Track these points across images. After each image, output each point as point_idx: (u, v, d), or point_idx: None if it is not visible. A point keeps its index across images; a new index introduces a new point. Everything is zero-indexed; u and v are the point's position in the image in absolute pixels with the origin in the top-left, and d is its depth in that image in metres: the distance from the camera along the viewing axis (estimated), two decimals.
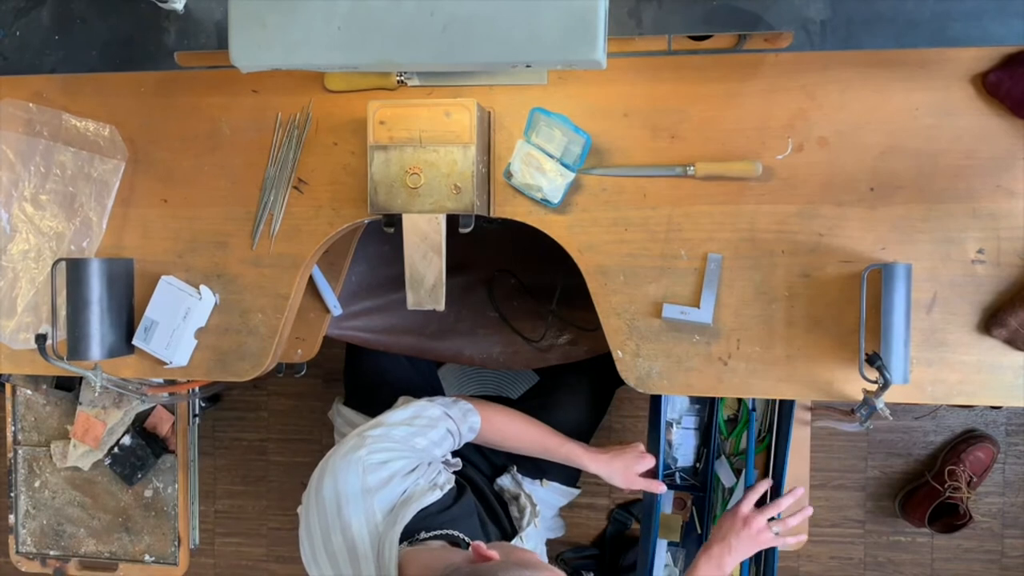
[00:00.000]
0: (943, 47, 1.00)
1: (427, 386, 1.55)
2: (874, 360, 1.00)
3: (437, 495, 1.02)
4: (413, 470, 1.04)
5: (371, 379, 1.46)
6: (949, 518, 1.84)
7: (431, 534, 0.99)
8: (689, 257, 1.09)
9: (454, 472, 1.15)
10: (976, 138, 1.04)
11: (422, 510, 0.99)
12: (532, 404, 1.41)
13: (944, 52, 1.03)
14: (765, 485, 1.25)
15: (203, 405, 1.60)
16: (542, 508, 1.32)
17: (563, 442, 1.29)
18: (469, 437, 1.21)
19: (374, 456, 1.01)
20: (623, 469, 1.29)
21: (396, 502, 1.00)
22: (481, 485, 1.29)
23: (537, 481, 1.39)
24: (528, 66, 0.79)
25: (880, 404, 1.01)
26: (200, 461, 2.06)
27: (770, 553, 1.26)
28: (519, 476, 1.35)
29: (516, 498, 1.30)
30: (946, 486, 1.81)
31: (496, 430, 1.25)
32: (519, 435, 1.28)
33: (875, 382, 1.02)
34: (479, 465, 1.37)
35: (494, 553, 0.88)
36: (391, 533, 0.94)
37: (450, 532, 1.01)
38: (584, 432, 1.47)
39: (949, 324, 1.06)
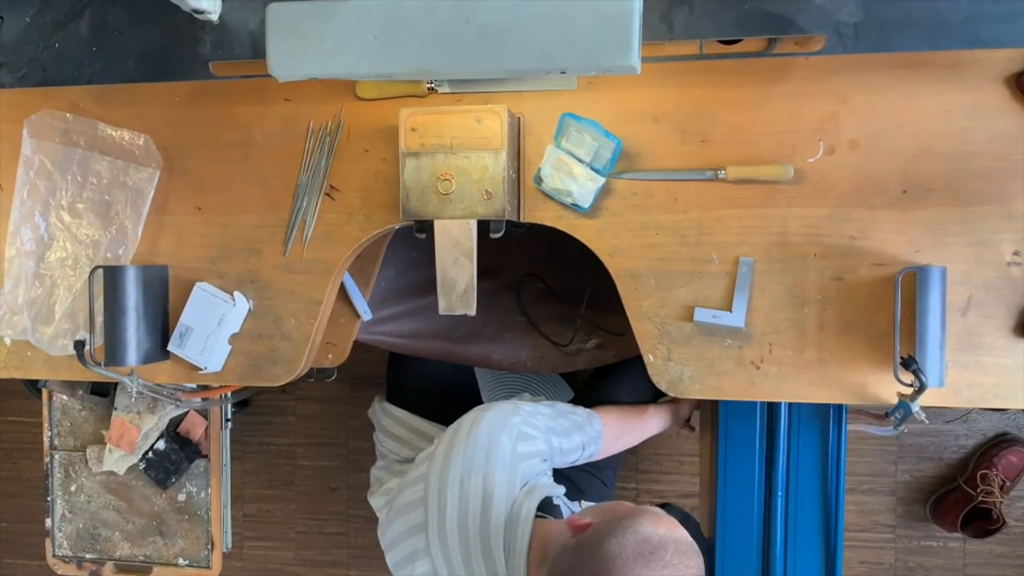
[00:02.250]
0: (976, 49, 0.99)
1: (466, 387, 1.56)
2: (910, 364, 0.99)
3: (561, 490, 1.11)
4: (546, 460, 1.12)
5: (415, 378, 1.48)
6: (981, 523, 1.82)
7: (543, 515, 1.04)
8: (720, 261, 1.09)
9: None
10: (1010, 140, 1.03)
11: (546, 498, 1.06)
12: None
13: (976, 53, 1.02)
14: None
15: (232, 410, 1.62)
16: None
17: (652, 417, 1.39)
18: (585, 460, 1.25)
19: (526, 428, 1.09)
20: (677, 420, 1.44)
21: (532, 480, 1.07)
22: None
23: (576, 502, 1.40)
24: (562, 72, 0.79)
25: (916, 407, 1.00)
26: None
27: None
28: (564, 501, 1.36)
29: None
30: (978, 490, 1.79)
31: (611, 448, 1.31)
32: (628, 441, 1.36)
33: (910, 385, 1.01)
34: None
35: (587, 520, 0.91)
36: (529, 502, 1.02)
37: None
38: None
39: (984, 327, 1.05)
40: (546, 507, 1.06)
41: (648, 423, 1.39)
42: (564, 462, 1.19)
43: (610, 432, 1.28)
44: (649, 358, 1.12)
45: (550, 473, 1.17)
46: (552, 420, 1.17)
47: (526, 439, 1.08)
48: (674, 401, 1.44)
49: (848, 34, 0.96)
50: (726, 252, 1.09)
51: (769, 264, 1.08)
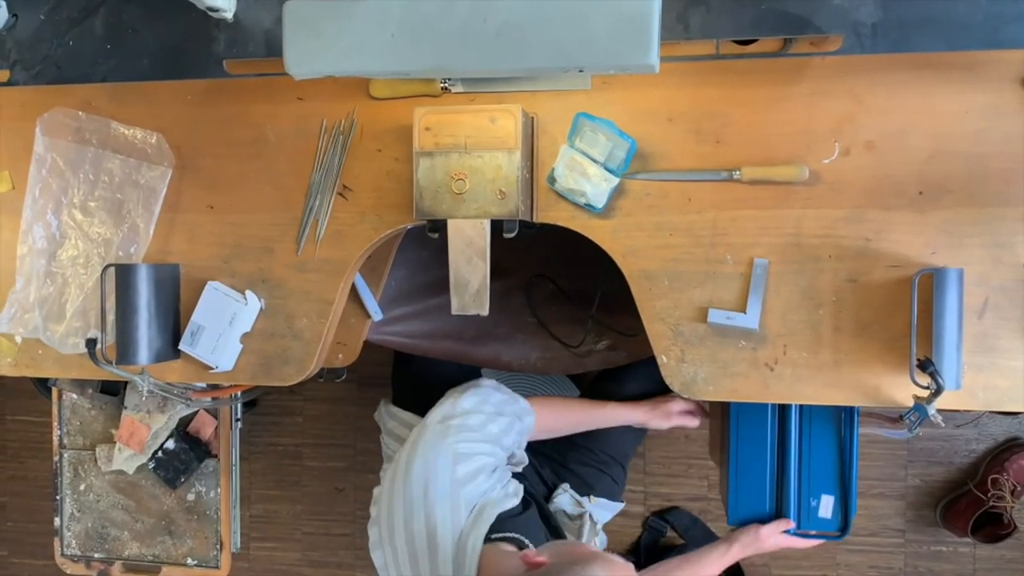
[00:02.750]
0: (995, 49, 0.99)
1: None
2: (927, 366, 0.99)
3: (514, 502, 1.06)
4: (495, 469, 1.09)
5: (420, 380, 1.47)
6: (992, 528, 1.81)
7: (502, 535, 1.00)
8: (735, 262, 1.09)
9: (521, 482, 1.18)
10: None
11: (500, 513, 1.03)
12: None
13: (994, 54, 1.01)
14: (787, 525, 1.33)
15: (242, 409, 1.62)
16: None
17: (602, 410, 1.41)
18: (525, 437, 1.25)
19: (462, 445, 1.07)
20: (663, 412, 1.43)
21: (479, 501, 1.03)
22: (542, 503, 1.30)
23: (585, 498, 1.39)
24: (581, 71, 0.79)
25: (932, 410, 1.00)
26: None
27: None
28: (574, 494, 1.36)
29: (573, 518, 1.32)
30: (989, 495, 1.78)
31: (545, 428, 1.32)
32: (568, 424, 1.38)
33: (926, 388, 1.01)
34: (531, 480, 1.38)
35: (543, 558, 0.89)
36: (476, 531, 0.98)
37: (518, 537, 1.02)
38: (633, 437, 1.47)
39: (1000, 329, 1.05)
40: (501, 525, 1.03)
41: (592, 413, 1.42)
42: (511, 441, 1.20)
43: (545, 412, 1.32)
44: (663, 359, 1.12)
45: (504, 472, 1.14)
46: (481, 412, 1.16)
47: (464, 459, 1.06)
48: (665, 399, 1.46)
49: (866, 34, 0.96)
50: (740, 253, 1.09)
51: (784, 265, 1.08)
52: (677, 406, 1.45)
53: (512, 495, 1.08)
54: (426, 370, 1.49)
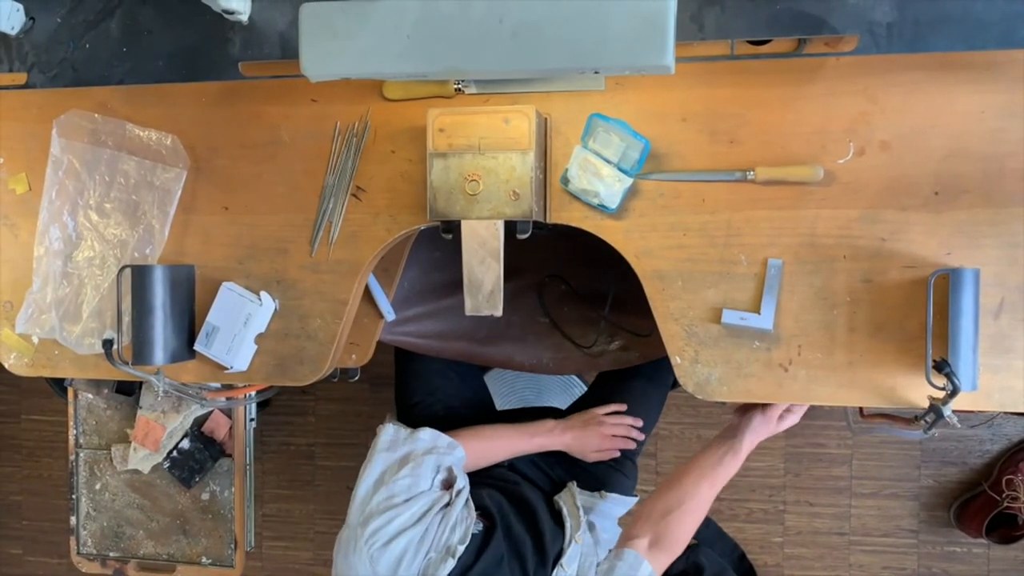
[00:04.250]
0: (1012, 49, 0.98)
1: (476, 399, 1.55)
2: (942, 367, 0.98)
3: (450, 565, 1.05)
4: (421, 519, 1.08)
5: (422, 392, 1.47)
6: (1006, 528, 1.80)
7: None
8: (749, 262, 1.09)
9: (529, 484, 1.16)
10: None
11: None
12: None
13: (1012, 54, 1.01)
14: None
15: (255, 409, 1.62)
16: (601, 520, 1.31)
17: (530, 437, 1.37)
18: (460, 466, 1.23)
19: (376, 539, 1.05)
20: (579, 447, 1.40)
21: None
22: (534, 505, 1.27)
23: (596, 494, 1.39)
24: (596, 72, 0.79)
25: (948, 411, 0.99)
26: None
27: None
28: (576, 490, 1.34)
29: (569, 515, 1.29)
30: (1003, 496, 1.77)
31: (475, 458, 1.30)
32: (492, 452, 1.34)
33: (942, 389, 1.00)
34: (537, 481, 1.37)
35: None
36: None
37: None
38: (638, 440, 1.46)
39: (1016, 330, 1.04)
40: None
41: (517, 442, 1.37)
42: (441, 478, 1.17)
43: (469, 442, 1.28)
44: (676, 360, 1.12)
45: (444, 530, 1.09)
46: (401, 468, 1.14)
47: (380, 553, 1.04)
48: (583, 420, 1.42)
49: (881, 34, 0.95)
50: (755, 253, 1.09)
51: (798, 266, 1.08)
52: (609, 428, 1.42)
53: (451, 554, 1.06)
54: (427, 386, 1.49)
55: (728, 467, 1.20)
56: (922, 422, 1.06)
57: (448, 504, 1.12)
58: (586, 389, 2.01)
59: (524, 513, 1.24)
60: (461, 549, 1.07)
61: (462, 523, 1.11)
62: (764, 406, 1.22)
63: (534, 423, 1.41)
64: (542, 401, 2.01)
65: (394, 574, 1.04)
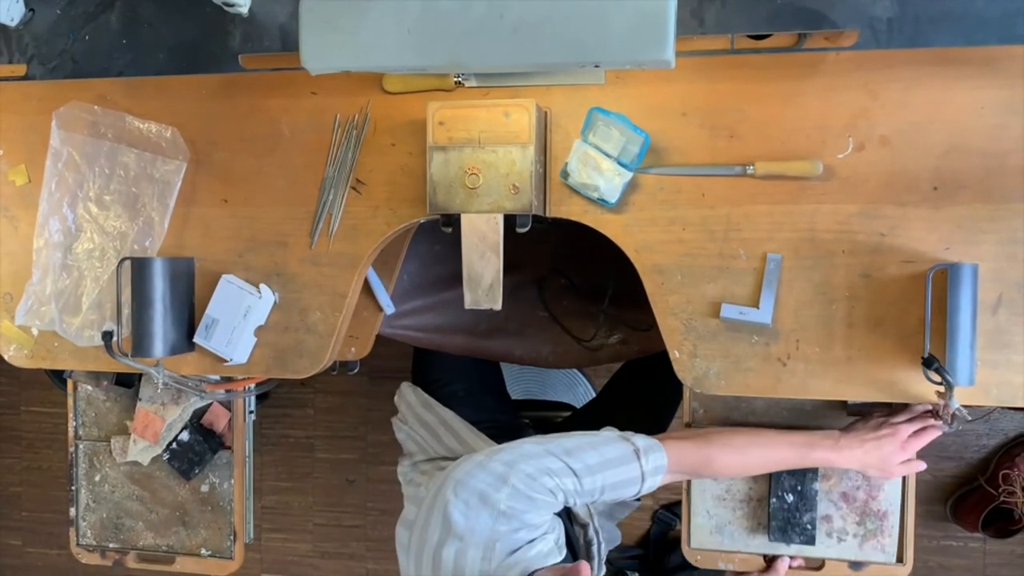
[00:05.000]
0: (1012, 44, 0.98)
1: (493, 383, 1.55)
2: (931, 363, 0.99)
3: (557, 558, 0.97)
4: (544, 525, 0.98)
5: (439, 371, 1.47)
6: (1003, 523, 1.81)
7: None
8: (748, 257, 1.09)
9: None
10: None
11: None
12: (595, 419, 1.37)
13: (1011, 49, 1.01)
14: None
15: (255, 402, 1.63)
16: (601, 520, 1.27)
17: (809, 450, 1.10)
18: (655, 481, 1.08)
19: (514, 504, 0.95)
20: (880, 461, 1.11)
21: (518, 548, 0.95)
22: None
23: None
24: (597, 66, 0.79)
25: (956, 404, 1.00)
26: None
27: None
28: None
29: (584, 526, 1.24)
30: (1000, 490, 1.78)
31: (729, 473, 1.12)
32: (752, 465, 1.12)
33: (939, 384, 1.01)
34: None
35: None
36: None
37: None
38: (674, 396, 1.44)
39: (1015, 325, 1.04)
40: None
41: (785, 451, 1.11)
42: (619, 496, 1.05)
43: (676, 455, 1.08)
44: (675, 354, 1.12)
45: (549, 532, 1.00)
46: (601, 473, 1.02)
47: (508, 518, 0.94)
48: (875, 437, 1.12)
49: (882, 29, 0.95)
50: (754, 248, 1.09)
51: (797, 261, 1.08)
52: (903, 454, 1.11)
53: (557, 547, 0.98)
54: (444, 370, 1.48)
55: (807, 449, 1.09)
56: (951, 415, 1.04)
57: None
58: (590, 386, 2.02)
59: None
60: (564, 548, 1.00)
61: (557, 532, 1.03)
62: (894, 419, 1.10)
63: (810, 433, 1.13)
64: (547, 395, 2.02)
65: (510, 535, 0.94)
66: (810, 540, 1.18)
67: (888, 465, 1.11)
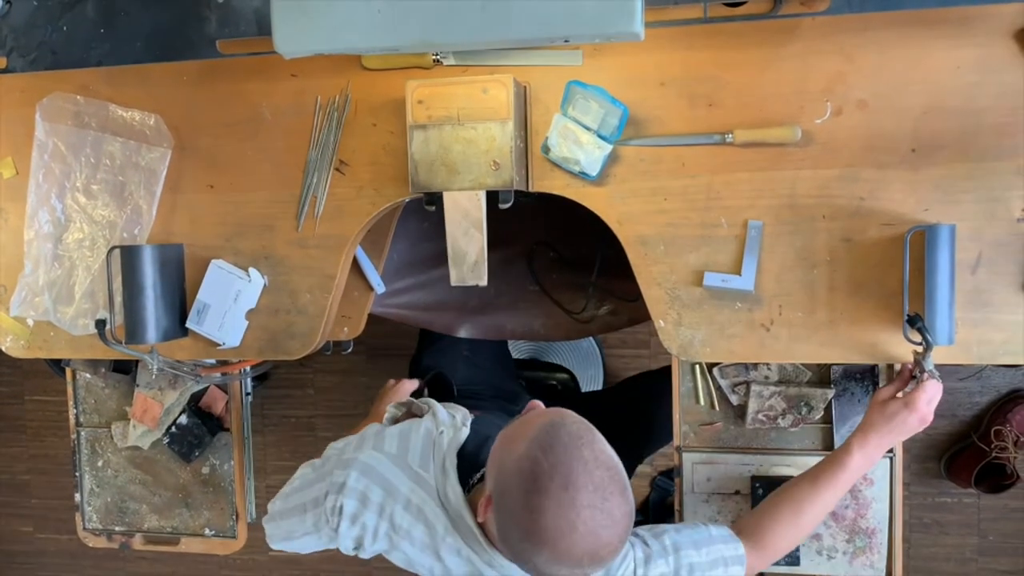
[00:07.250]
0: (986, 4, 0.98)
1: (494, 350, 1.57)
2: (915, 321, 1.00)
3: (465, 433, 1.03)
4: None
5: (445, 338, 1.49)
6: (996, 478, 1.83)
7: (479, 475, 0.99)
8: (729, 225, 1.10)
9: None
10: (1020, 94, 1.02)
11: (460, 451, 1.00)
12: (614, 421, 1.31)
13: (986, 9, 1.01)
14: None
15: (252, 384, 1.65)
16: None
17: (843, 472, 1.04)
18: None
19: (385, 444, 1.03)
20: (911, 433, 1.07)
21: (430, 449, 1.00)
22: None
23: None
24: (566, 41, 0.79)
25: (930, 365, 1.01)
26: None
27: None
28: None
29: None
30: (992, 446, 1.80)
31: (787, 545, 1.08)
32: (808, 521, 1.06)
33: (919, 344, 1.02)
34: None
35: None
36: (450, 485, 0.95)
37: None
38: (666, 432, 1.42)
39: (994, 284, 1.05)
40: (470, 463, 1.00)
41: (827, 493, 1.05)
42: None
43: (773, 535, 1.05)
44: (660, 323, 1.13)
45: (444, 414, 1.07)
46: None
47: (383, 439, 1.03)
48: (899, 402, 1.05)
49: None
50: (735, 216, 1.10)
51: (778, 227, 1.09)
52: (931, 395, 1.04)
53: (460, 424, 1.05)
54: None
55: (844, 475, 1.04)
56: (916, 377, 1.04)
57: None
58: (602, 374, 2.02)
59: None
60: (468, 418, 1.06)
61: (455, 410, 1.09)
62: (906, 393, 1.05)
63: (832, 458, 1.06)
64: (549, 357, 2.02)
65: (407, 450, 1.01)
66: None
67: (919, 429, 1.07)
